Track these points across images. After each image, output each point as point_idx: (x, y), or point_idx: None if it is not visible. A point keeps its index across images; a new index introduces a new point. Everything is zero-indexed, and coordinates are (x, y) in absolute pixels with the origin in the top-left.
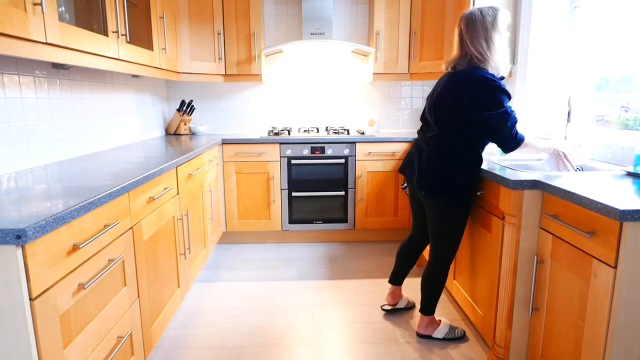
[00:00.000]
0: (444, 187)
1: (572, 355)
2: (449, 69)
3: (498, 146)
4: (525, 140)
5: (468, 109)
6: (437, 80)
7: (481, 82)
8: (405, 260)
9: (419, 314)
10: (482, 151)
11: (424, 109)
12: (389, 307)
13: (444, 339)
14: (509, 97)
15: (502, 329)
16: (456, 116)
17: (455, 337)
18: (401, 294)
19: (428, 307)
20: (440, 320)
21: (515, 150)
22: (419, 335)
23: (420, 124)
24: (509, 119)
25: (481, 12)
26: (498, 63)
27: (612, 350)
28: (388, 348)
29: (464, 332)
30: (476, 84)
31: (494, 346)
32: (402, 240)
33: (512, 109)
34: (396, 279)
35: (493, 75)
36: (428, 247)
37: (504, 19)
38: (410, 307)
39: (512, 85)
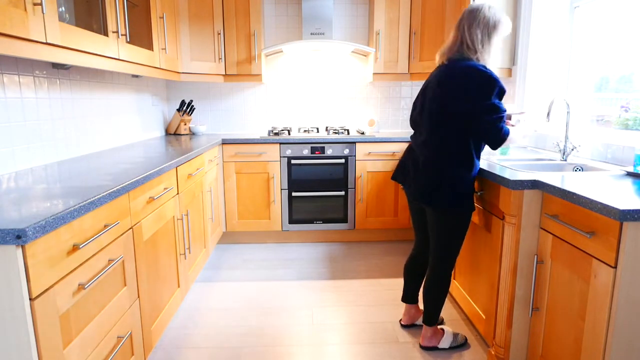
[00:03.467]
0: (444, 195)
1: (572, 355)
2: (443, 62)
3: (485, 142)
4: (510, 134)
5: (457, 100)
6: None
7: (473, 72)
8: (414, 277)
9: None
10: (478, 154)
11: (414, 113)
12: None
13: (451, 349)
14: (503, 91)
15: (502, 329)
16: (449, 114)
17: (459, 345)
18: (419, 311)
19: (432, 317)
20: (443, 330)
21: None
22: (423, 348)
23: (411, 129)
24: (497, 111)
25: (489, 8)
26: (487, 61)
27: (612, 350)
28: (388, 348)
29: (466, 338)
30: (467, 74)
31: (494, 346)
32: (406, 256)
33: (500, 103)
34: (408, 298)
35: (485, 67)
36: None
37: (506, 25)
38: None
39: (512, 85)
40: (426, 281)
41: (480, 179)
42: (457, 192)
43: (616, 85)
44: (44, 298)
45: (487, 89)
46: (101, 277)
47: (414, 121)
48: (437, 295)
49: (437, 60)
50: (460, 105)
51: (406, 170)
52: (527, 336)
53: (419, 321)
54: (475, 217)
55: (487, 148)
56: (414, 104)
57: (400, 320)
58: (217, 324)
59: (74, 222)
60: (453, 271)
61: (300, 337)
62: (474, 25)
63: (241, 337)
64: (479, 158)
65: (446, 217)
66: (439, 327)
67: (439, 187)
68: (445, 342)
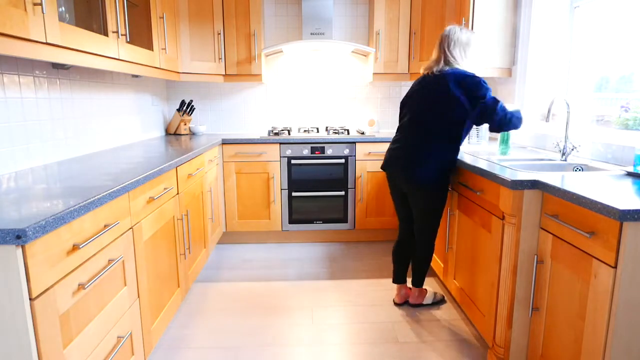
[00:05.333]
0: (434, 177)
1: (572, 355)
2: (428, 72)
3: (494, 128)
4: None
5: (466, 100)
6: (415, 82)
7: (469, 76)
8: (401, 259)
9: (421, 313)
10: (462, 141)
11: (405, 112)
12: (398, 303)
13: (432, 304)
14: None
15: (502, 329)
16: (452, 110)
17: (437, 301)
18: (408, 291)
19: (421, 280)
20: (426, 290)
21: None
22: (411, 305)
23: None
24: (498, 102)
25: (460, 30)
26: (467, 68)
27: (612, 350)
28: (388, 348)
29: (443, 296)
30: (467, 77)
31: (494, 346)
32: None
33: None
34: (398, 279)
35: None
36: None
37: (475, 38)
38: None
39: (512, 85)
40: (416, 256)
41: (479, 178)
42: (439, 169)
43: (616, 85)
44: (44, 298)
45: (484, 86)
46: (101, 277)
47: (409, 118)
48: (425, 263)
49: (422, 71)
50: (461, 100)
51: (397, 159)
52: (527, 336)
53: (427, 300)
54: (475, 217)
55: (487, 148)
56: (407, 103)
57: (394, 299)
58: (217, 324)
59: (74, 222)
60: (453, 270)
61: (300, 337)
62: (452, 46)
63: (241, 337)
64: (460, 144)
65: (433, 195)
66: (423, 288)
67: (429, 170)
68: (428, 300)
